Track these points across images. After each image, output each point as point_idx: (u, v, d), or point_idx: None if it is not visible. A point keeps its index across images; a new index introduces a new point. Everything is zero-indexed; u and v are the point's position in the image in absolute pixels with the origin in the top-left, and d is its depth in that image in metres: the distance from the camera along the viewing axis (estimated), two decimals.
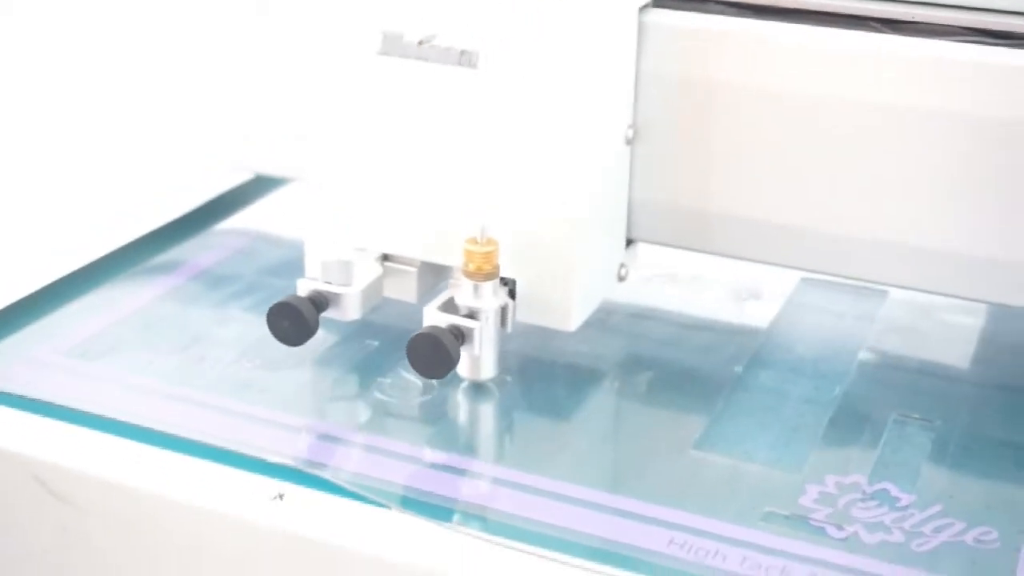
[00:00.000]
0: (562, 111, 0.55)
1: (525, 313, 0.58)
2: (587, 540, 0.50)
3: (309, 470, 0.53)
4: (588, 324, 0.59)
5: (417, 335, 0.55)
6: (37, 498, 0.55)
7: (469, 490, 0.53)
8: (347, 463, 0.55)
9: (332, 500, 0.52)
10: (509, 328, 0.57)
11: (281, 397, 0.59)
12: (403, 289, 0.60)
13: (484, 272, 0.56)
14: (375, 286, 0.59)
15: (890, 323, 0.67)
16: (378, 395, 0.60)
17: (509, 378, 0.61)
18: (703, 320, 0.67)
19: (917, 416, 0.59)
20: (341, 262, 0.58)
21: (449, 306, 0.57)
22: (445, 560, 0.49)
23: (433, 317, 0.56)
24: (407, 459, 0.55)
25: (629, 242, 0.61)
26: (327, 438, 0.57)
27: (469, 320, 0.56)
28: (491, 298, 0.56)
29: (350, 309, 0.58)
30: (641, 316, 0.66)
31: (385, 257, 0.60)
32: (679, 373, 0.62)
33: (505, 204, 0.56)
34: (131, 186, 0.82)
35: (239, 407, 0.58)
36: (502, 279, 0.57)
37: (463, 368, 0.58)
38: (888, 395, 0.61)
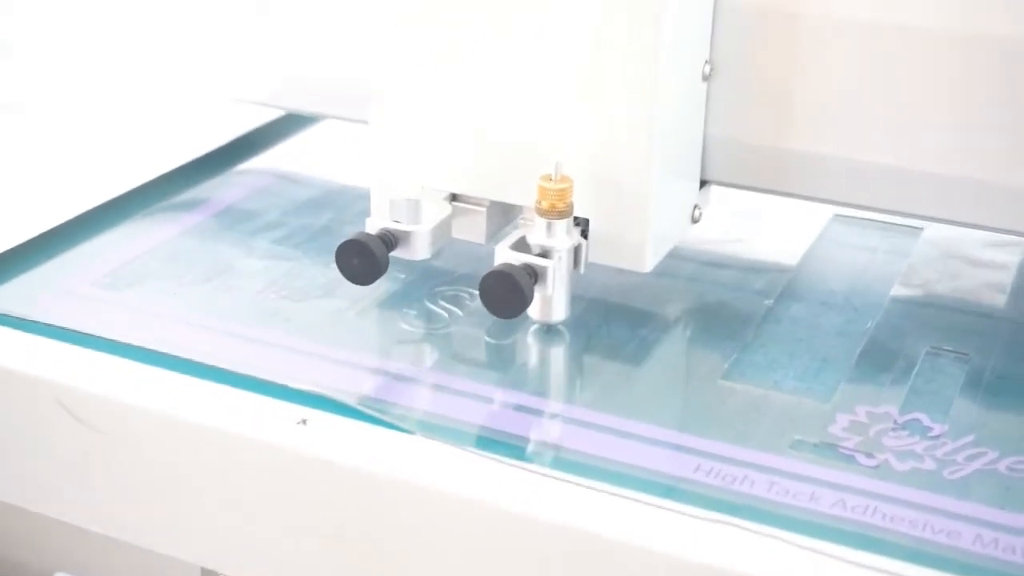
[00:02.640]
0: (638, 45, 0.53)
1: (598, 253, 0.56)
2: (612, 466, 0.49)
3: (335, 396, 0.53)
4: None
5: (491, 272, 0.54)
6: (62, 423, 0.55)
7: (493, 416, 0.53)
8: (366, 390, 0.54)
9: (355, 425, 0.52)
10: (582, 269, 0.56)
11: (302, 327, 0.59)
12: (472, 230, 0.59)
13: (558, 210, 0.54)
14: (444, 226, 0.58)
15: (924, 259, 0.66)
16: (404, 326, 0.59)
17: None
18: (732, 256, 0.66)
19: (950, 349, 0.58)
20: (410, 201, 0.57)
21: (521, 245, 0.55)
22: (470, 484, 0.49)
23: (505, 255, 0.55)
24: (434, 388, 0.55)
25: (703, 183, 0.60)
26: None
27: (542, 259, 0.54)
28: (564, 237, 0.55)
29: (419, 248, 0.57)
30: (671, 254, 0.65)
31: (453, 197, 0.59)
32: (708, 307, 0.61)
33: (578, 141, 0.55)
34: (158, 123, 0.81)
35: (265, 335, 0.58)
36: (575, 218, 0.55)
37: (534, 310, 0.56)
38: (921, 329, 0.60)
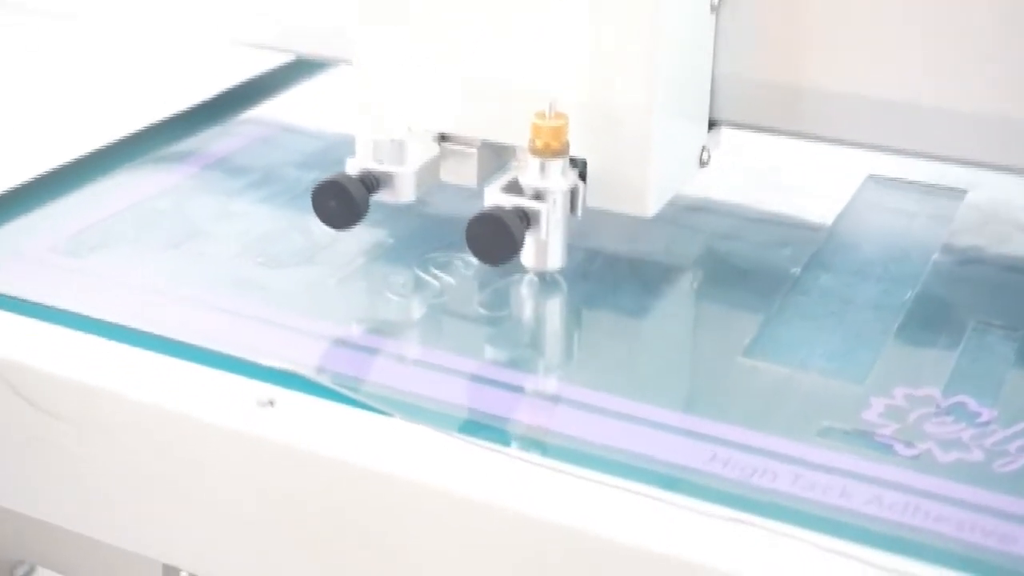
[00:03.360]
0: None
1: (597, 197, 0.52)
2: (616, 455, 0.44)
3: (307, 374, 0.47)
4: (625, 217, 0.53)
5: (478, 216, 0.49)
6: (8, 405, 0.49)
7: (482, 397, 0.47)
8: (342, 367, 0.49)
9: (328, 407, 0.46)
10: (579, 213, 0.52)
11: (278, 296, 0.53)
12: (462, 172, 0.55)
13: (552, 149, 0.50)
14: (430, 167, 0.54)
15: (968, 223, 0.60)
16: (390, 296, 0.53)
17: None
18: (756, 218, 0.60)
19: (999, 323, 0.51)
20: (394, 141, 0.53)
21: (513, 187, 0.51)
22: (452, 474, 0.43)
23: (495, 198, 0.50)
24: (418, 365, 0.49)
25: (712, 124, 0.56)
26: (364, 349, 0.50)
27: (535, 202, 0.50)
28: (559, 178, 0.50)
29: (403, 190, 0.53)
30: (693, 208, 0.59)
31: (442, 138, 0.55)
32: (729, 273, 0.55)
33: (575, 76, 0.51)
34: (153, 67, 0.75)
35: (234, 306, 0.52)
36: (572, 159, 0.51)
37: (527, 257, 0.52)
38: (966, 301, 0.53)
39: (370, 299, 0.54)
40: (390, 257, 0.56)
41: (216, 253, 0.57)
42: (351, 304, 0.54)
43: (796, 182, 0.63)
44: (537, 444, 0.45)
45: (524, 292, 0.53)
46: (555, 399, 0.47)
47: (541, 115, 0.50)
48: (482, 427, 0.45)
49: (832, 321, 0.52)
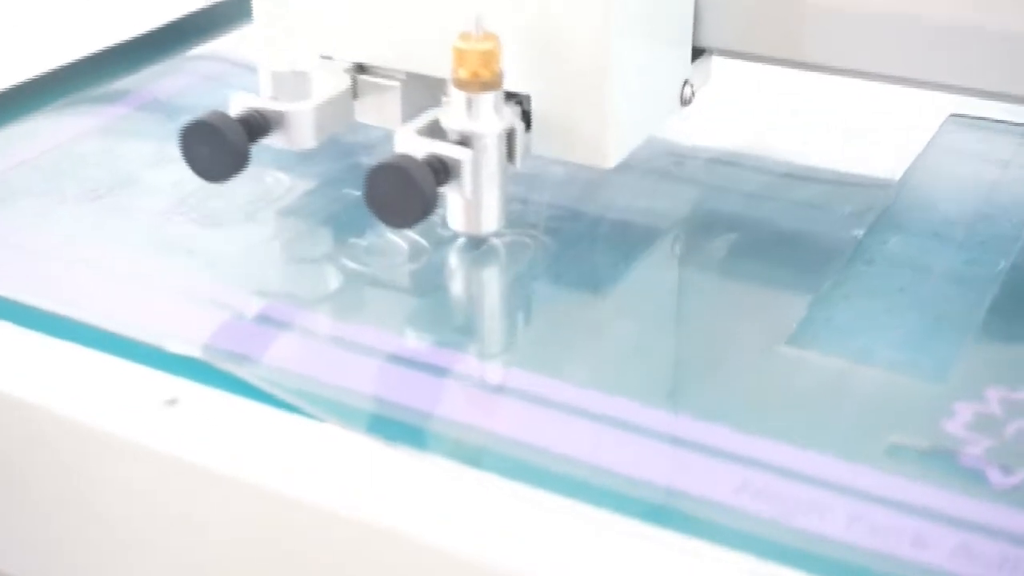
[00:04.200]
0: None
1: (543, 143, 0.42)
2: (609, 480, 0.33)
3: (220, 364, 0.37)
4: (648, 172, 0.42)
5: (376, 167, 0.39)
6: None
7: (439, 397, 0.36)
8: (273, 356, 0.38)
9: (242, 406, 0.36)
10: (518, 163, 0.41)
11: (210, 262, 0.43)
12: (383, 112, 0.45)
13: (481, 80, 0.40)
14: (338, 104, 0.44)
15: None
16: (347, 263, 0.43)
17: (528, 239, 0.43)
18: (807, 167, 0.49)
19: None
20: (295, 73, 0.43)
21: (433, 129, 0.41)
22: (399, 494, 0.32)
23: (408, 143, 0.40)
24: (363, 351, 0.38)
25: (698, 52, 0.45)
26: (302, 332, 0.40)
27: (458, 148, 0.40)
28: (491, 118, 0.40)
29: (300, 132, 0.43)
30: (722, 161, 0.48)
31: (361, 69, 0.45)
32: (770, 239, 0.44)
33: None
34: None
35: (153, 272, 0.42)
36: (510, 94, 0.41)
37: (456, 219, 0.42)
38: None
39: (321, 266, 0.43)
40: (358, 212, 0.45)
41: (141, 208, 0.46)
42: (296, 273, 0.43)
43: (854, 124, 0.51)
44: (492, 457, 0.34)
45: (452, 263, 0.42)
46: (530, 398, 0.36)
47: (466, 36, 0.39)
48: (425, 435, 0.34)
49: (904, 298, 0.40)
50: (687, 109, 0.45)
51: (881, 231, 0.44)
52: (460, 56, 0.39)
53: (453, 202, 0.41)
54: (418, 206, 0.38)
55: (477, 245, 0.43)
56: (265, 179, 0.47)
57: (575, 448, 0.34)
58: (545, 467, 0.33)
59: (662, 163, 0.48)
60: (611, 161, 0.41)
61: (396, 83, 0.44)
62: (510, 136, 0.40)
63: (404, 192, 0.38)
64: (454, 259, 0.43)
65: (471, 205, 0.41)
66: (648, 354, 0.39)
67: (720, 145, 0.49)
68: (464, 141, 0.40)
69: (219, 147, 0.41)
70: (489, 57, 0.39)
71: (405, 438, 0.34)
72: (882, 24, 0.42)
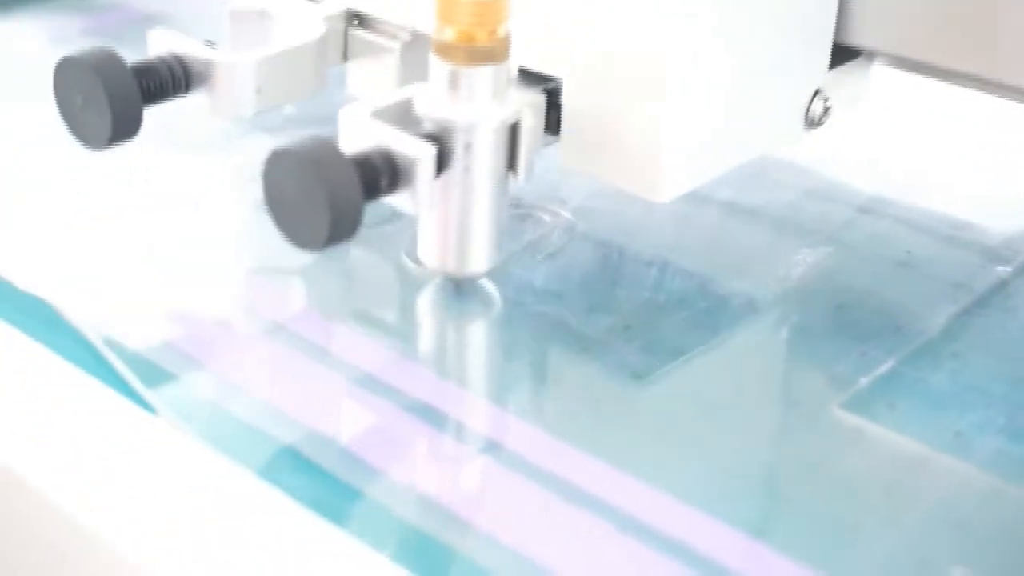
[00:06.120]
0: None
1: (573, 153, 0.31)
2: None
3: None
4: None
5: (273, 153, 0.28)
6: None
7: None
8: None
9: None
10: (522, 175, 0.30)
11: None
12: (378, 78, 0.35)
13: (473, 46, 0.29)
14: (300, 61, 0.34)
15: None
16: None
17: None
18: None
19: None
20: (258, 13, 0.34)
21: (402, 113, 0.30)
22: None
23: (355, 126, 0.29)
24: None
25: (847, 54, 0.33)
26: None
27: (418, 142, 0.29)
28: (486, 103, 0.29)
29: (232, 93, 0.32)
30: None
31: (358, 22, 0.35)
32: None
33: None
34: None
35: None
36: (534, 76, 0.30)
37: (425, 248, 0.31)
38: None
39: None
40: None
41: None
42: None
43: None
44: (435, 550, 0.25)
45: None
46: (515, 466, 0.27)
47: None
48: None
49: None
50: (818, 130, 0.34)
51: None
52: (446, 7, 0.28)
53: (421, 224, 0.30)
54: (324, 220, 0.26)
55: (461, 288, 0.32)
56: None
57: (534, 542, 0.25)
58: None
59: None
60: (666, 194, 0.30)
61: (396, 44, 0.34)
62: (513, 133, 0.29)
63: (309, 197, 0.27)
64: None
65: (442, 229, 0.29)
66: (656, 420, 0.29)
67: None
68: (439, 133, 0.29)
69: (95, 102, 0.30)
70: (489, 10, 0.28)
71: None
72: None
